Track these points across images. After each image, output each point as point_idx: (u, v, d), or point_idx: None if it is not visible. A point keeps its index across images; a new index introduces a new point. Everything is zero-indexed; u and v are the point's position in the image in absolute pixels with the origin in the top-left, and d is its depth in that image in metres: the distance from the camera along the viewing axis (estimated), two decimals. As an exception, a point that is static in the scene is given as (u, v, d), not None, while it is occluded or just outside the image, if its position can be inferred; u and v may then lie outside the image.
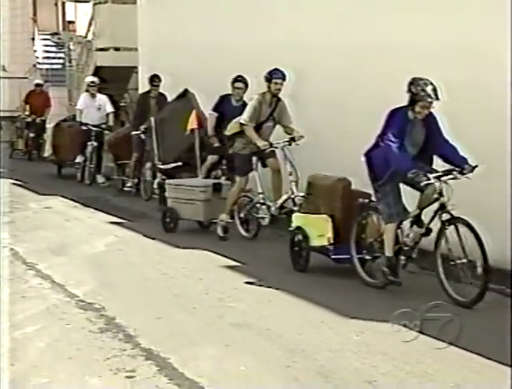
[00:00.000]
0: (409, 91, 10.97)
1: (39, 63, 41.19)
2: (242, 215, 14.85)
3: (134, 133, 21.36)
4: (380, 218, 11.37)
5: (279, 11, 18.77)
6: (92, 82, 24.40)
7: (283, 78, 14.67)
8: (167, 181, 15.88)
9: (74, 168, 25.29)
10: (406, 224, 11.00)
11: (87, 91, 24.68)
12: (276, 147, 14.54)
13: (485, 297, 11.21)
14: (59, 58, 40.80)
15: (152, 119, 19.63)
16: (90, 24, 36.08)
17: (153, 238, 16.31)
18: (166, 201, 18.27)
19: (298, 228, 12.32)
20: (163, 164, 19.08)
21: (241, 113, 16.66)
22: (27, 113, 30.99)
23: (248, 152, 15.03)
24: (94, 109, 23.70)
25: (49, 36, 42.62)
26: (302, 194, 13.38)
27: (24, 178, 25.58)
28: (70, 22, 40.94)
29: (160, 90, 21.55)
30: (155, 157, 19.53)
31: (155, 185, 19.82)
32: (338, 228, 11.63)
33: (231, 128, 15.26)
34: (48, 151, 28.20)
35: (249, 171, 15.14)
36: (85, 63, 34.97)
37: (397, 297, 11.61)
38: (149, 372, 8.59)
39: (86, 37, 36.74)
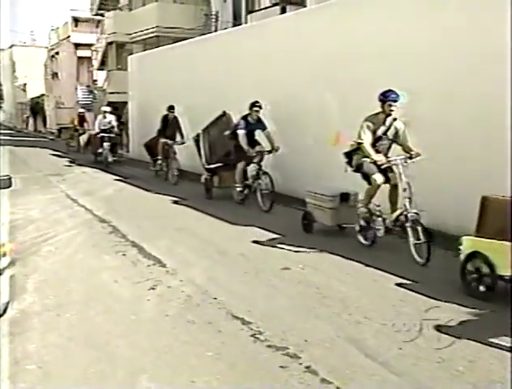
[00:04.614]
0: None
1: (79, 100, 41.50)
2: (362, 223, 9.34)
3: (162, 140, 17.63)
4: None
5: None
6: (105, 110, 23.45)
7: (397, 99, 8.72)
8: (307, 188, 10.72)
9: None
10: None
11: (102, 113, 23.61)
12: (395, 163, 8.64)
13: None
14: (90, 98, 41.00)
15: (200, 132, 14.77)
16: (105, 80, 36.67)
17: (138, 187, 16.22)
18: (211, 190, 14.49)
19: (476, 252, 6.69)
20: (208, 165, 14.44)
21: (257, 128, 13.02)
22: (76, 124, 30.19)
23: (369, 161, 8.89)
24: (106, 123, 22.55)
25: (84, 87, 43.25)
26: (415, 210, 8.23)
27: (73, 159, 24.98)
28: (95, 80, 41.50)
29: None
30: (203, 159, 14.69)
31: (202, 180, 14.70)
32: None
33: (351, 146, 9.31)
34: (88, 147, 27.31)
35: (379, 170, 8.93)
36: (102, 100, 34.83)
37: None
38: (133, 252, 8.79)
39: (103, 87, 37.32)
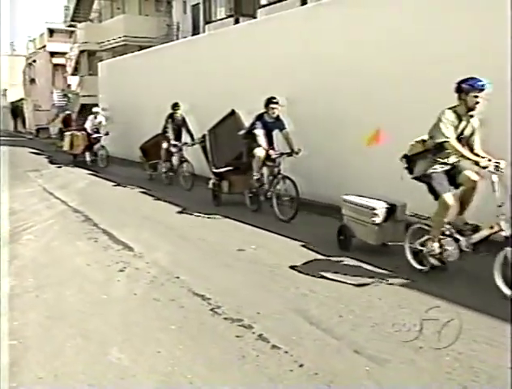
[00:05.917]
0: None
1: (55, 103, 40.56)
2: (416, 245, 6.52)
3: (172, 142, 14.30)
4: None
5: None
6: (96, 111, 20.75)
7: (484, 88, 5.82)
8: (343, 197, 7.78)
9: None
10: None
11: (93, 114, 20.87)
12: (490, 170, 5.71)
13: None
14: (64, 101, 39.93)
15: (206, 133, 12.08)
16: (78, 85, 36.02)
17: (108, 180, 15.91)
18: (219, 196, 11.76)
19: None
20: (216, 169, 11.60)
21: (275, 127, 10.26)
22: (62, 126, 26.50)
23: (440, 171, 6.25)
24: (97, 123, 20.16)
25: (59, 91, 41.99)
26: None
27: (55, 158, 23.46)
28: (69, 84, 40.59)
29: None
30: (210, 163, 12.00)
31: (210, 185, 11.86)
32: None
33: (412, 148, 6.47)
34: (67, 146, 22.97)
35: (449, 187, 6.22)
36: (76, 103, 34.24)
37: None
38: (104, 238, 8.64)
39: (76, 90, 36.49)
